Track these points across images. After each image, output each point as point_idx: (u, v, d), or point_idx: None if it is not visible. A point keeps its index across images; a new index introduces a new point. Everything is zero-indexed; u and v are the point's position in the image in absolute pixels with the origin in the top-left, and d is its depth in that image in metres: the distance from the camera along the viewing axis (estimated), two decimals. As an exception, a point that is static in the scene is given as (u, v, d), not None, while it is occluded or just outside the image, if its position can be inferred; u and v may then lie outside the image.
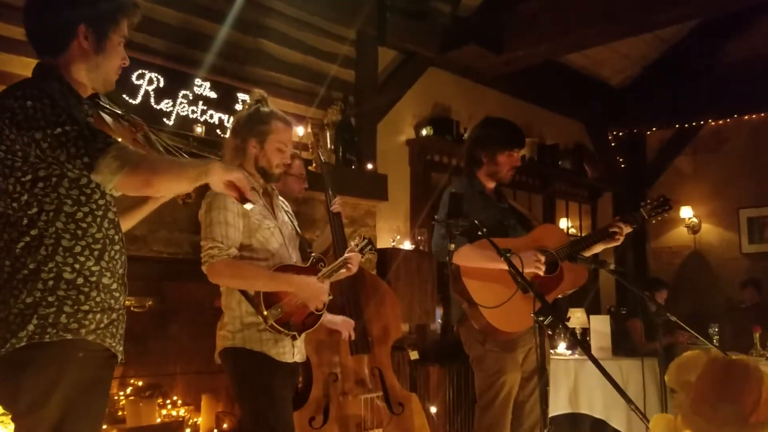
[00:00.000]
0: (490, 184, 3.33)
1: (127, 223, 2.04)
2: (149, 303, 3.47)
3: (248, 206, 1.94)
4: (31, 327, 1.67)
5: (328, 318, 3.17)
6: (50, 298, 1.69)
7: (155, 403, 3.56)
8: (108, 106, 1.97)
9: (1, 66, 3.26)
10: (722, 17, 6.54)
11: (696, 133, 7.84)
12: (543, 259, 3.00)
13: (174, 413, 3.68)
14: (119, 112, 1.98)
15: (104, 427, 3.32)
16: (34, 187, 1.72)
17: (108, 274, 1.80)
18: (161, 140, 2.01)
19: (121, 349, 1.85)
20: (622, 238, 3.18)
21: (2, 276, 1.72)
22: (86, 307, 1.73)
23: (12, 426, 1.75)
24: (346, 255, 2.73)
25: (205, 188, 1.92)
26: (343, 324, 3.20)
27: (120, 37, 1.92)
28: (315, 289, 2.57)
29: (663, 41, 7.11)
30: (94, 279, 1.76)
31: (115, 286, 1.82)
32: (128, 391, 3.60)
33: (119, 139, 1.83)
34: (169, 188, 1.87)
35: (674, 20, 5.74)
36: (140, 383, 3.64)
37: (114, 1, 1.90)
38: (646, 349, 4.80)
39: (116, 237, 1.86)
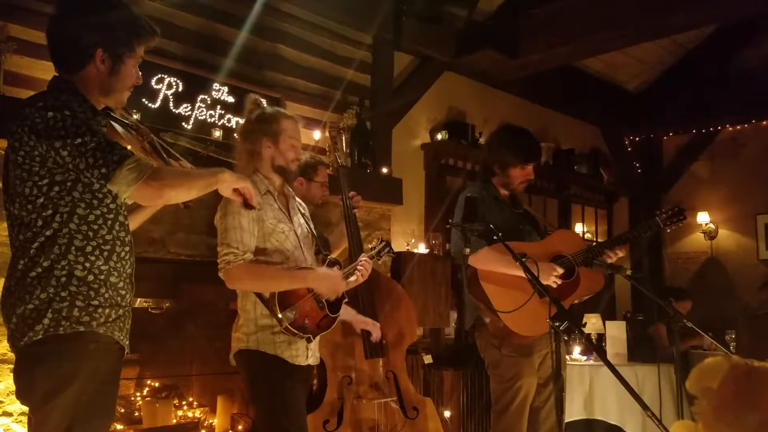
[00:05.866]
0: (504, 191, 3.33)
1: (133, 224, 2.11)
2: (166, 304, 3.50)
3: (250, 211, 2.29)
4: (46, 321, 1.77)
5: (360, 318, 3.21)
6: (63, 294, 1.80)
7: (171, 403, 3.59)
8: (118, 117, 2.06)
9: (24, 70, 3.30)
10: (740, 22, 6.48)
11: (713, 138, 7.77)
12: (560, 272, 2.99)
13: (190, 414, 3.70)
14: (128, 122, 2.09)
15: (120, 427, 3.34)
16: (51, 191, 1.81)
17: (115, 274, 1.90)
18: (166, 147, 2.13)
19: (127, 342, 1.95)
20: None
21: (16, 274, 1.82)
22: (96, 302, 1.84)
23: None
24: (359, 260, 2.73)
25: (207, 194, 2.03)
26: (373, 326, 3.26)
27: (135, 60, 2.02)
28: (333, 278, 2.59)
29: (680, 46, 7.05)
30: (102, 277, 1.86)
31: (121, 284, 1.93)
32: (145, 391, 3.62)
33: (129, 147, 1.92)
34: (179, 198, 1.98)
35: (692, 25, 5.70)
36: (156, 384, 3.67)
37: (132, 29, 1.98)
38: (671, 352, 4.77)
39: (126, 239, 1.96)
